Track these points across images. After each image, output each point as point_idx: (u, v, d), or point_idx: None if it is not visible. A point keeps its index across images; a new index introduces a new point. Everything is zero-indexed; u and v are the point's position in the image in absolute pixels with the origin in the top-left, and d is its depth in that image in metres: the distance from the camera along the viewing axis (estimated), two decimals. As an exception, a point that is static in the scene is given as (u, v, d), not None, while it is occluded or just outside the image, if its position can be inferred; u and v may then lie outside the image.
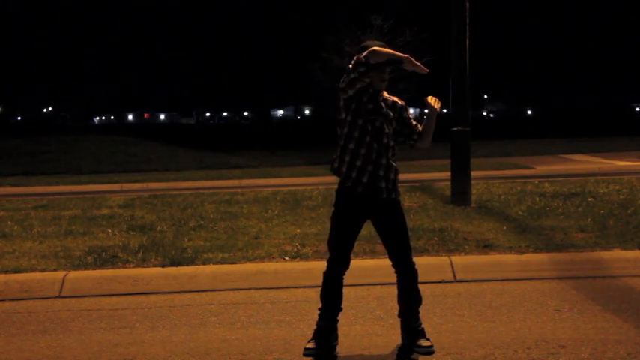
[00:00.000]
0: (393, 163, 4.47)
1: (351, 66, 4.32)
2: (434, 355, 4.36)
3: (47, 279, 6.33)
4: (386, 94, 4.53)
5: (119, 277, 6.33)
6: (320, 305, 4.52)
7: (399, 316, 4.55)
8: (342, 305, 4.59)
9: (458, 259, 6.51)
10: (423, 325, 4.48)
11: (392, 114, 4.48)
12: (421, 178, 15.38)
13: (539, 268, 6.37)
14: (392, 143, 4.47)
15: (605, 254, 6.60)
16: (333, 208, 4.56)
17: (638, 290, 5.83)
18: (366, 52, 4.23)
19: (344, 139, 4.42)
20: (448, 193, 10.48)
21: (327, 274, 4.51)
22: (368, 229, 8.07)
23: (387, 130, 4.40)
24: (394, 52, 4.29)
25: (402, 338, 4.52)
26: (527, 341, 4.58)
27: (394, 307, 4.62)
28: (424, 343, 4.36)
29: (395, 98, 4.57)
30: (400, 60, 4.25)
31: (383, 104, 4.45)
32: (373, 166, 4.38)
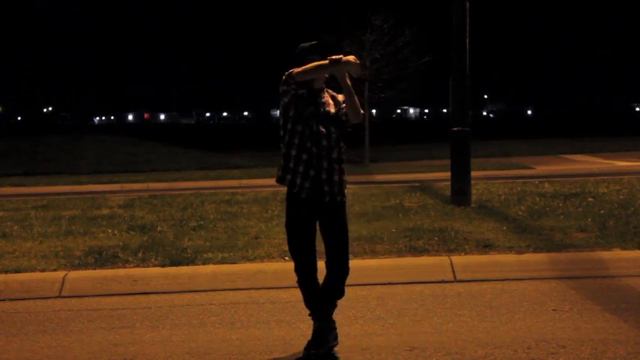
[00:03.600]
0: (337, 165, 4.41)
1: (284, 77, 4.37)
2: (434, 355, 4.36)
3: (47, 279, 6.33)
4: (330, 92, 4.49)
5: (119, 277, 6.33)
6: (309, 312, 4.52)
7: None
8: (342, 305, 4.59)
9: (458, 259, 6.50)
10: (330, 330, 4.45)
11: (333, 110, 4.42)
12: (421, 178, 15.37)
13: (539, 268, 6.37)
14: (334, 142, 4.39)
15: (605, 254, 6.60)
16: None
17: (638, 290, 5.83)
18: (293, 72, 4.29)
19: (285, 146, 4.42)
20: (448, 193, 10.47)
21: (300, 282, 4.50)
22: (368, 229, 8.08)
23: (325, 132, 4.35)
24: (317, 63, 4.26)
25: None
26: (527, 341, 4.57)
27: (394, 307, 4.63)
28: (312, 351, 4.37)
29: (339, 96, 4.50)
30: (327, 66, 4.23)
31: (324, 104, 4.41)
32: (315, 171, 4.35)
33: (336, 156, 4.41)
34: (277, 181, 4.48)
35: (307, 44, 4.46)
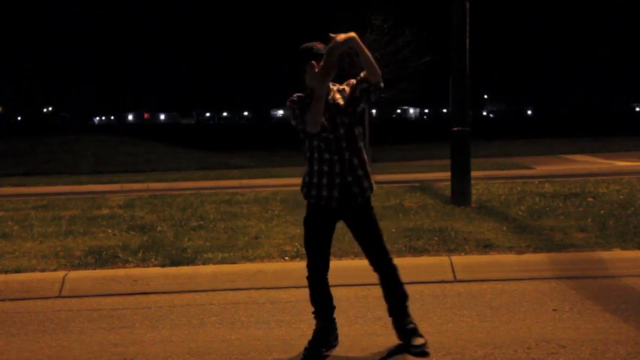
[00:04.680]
0: (355, 159, 4.34)
1: (291, 107, 4.30)
2: (434, 355, 4.36)
3: (47, 279, 6.33)
4: (336, 86, 4.40)
5: (119, 277, 6.33)
6: (313, 309, 4.52)
7: (390, 314, 4.54)
8: (343, 305, 4.59)
9: (458, 259, 6.50)
10: (414, 322, 4.47)
11: (342, 103, 4.33)
12: (421, 178, 15.36)
13: (539, 268, 6.37)
14: (351, 137, 4.31)
15: (605, 254, 6.59)
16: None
17: (638, 290, 5.82)
18: (305, 125, 4.21)
19: (307, 161, 4.39)
20: (448, 193, 10.47)
21: (309, 279, 4.49)
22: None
23: (342, 132, 4.29)
24: (315, 101, 4.14)
25: (398, 337, 4.51)
26: (527, 341, 4.57)
27: (394, 307, 4.61)
28: (417, 341, 4.36)
29: (345, 85, 4.40)
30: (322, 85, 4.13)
31: (333, 102, 4.32)
32: (340, 178, 4.32)
33: (354, 147, 4.33)
34: (305, 197, 4.45)
35: (308, 46, 4.33)
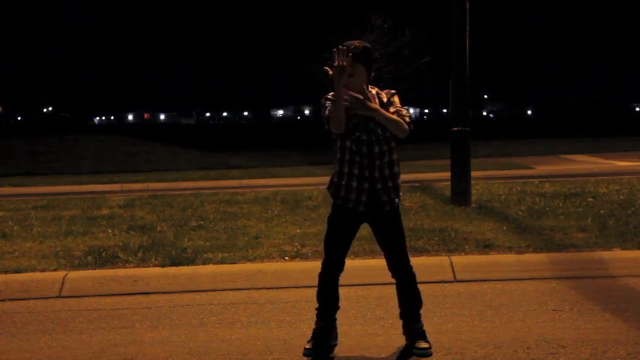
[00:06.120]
0: (387, 170, 4.34)
1: (325, 106, 4.25)
2: (434, 355, 4.36)
3: (47, 279, 6.33)
4: (374, 90, 4.35)
5: (119, 277, 6.33)
6: (317, 306, 4.52)
7: (401, 317, 4.55)
8: (342, 305, 4.59)
9: (458, 259, 6.50)
10: (423, 327, 4.48)
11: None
12: (421, 178, 15.38)
13: (539, 268, 6.37)
14: (386, 147, 4.31)
15: (605, 254, 6.60)
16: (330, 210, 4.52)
17: (638, 290, 5.83)
18: (326, 117, 4.20)
19: (338, 162, 4.37)
20: (448, 193, 10.47)
21: (321, 276, 4.49)
22: (368, 229, 8.04)
23: (374, 138, 4.27)
24: (334, 108, 4.13)
25: (405, 339, 4.52)
26: (527, 341, 4.57)
27: (394, 307, 4.61)
28: (421, 345, 4.36)
29: (383, 94, 4.36)
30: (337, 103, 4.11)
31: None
32: (370, 183, 4.31)
33: (387, 159, 4.34)
34: (332, 197, 4.45)
35: (346, 44, 4.15)
